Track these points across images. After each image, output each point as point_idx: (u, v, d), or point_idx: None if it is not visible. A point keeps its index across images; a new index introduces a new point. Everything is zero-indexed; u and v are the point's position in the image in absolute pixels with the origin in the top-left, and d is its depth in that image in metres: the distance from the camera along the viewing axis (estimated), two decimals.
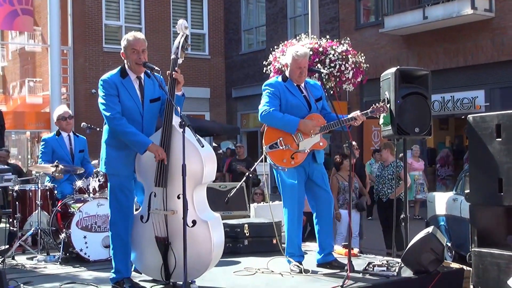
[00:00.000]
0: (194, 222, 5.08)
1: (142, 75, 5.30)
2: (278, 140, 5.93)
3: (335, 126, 5.93)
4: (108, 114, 5.09)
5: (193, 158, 5.03)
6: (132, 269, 5.35)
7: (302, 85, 6.11)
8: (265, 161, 6.13)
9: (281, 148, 5.93)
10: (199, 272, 5.14)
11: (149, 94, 5.31)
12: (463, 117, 16.74)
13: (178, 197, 5.05)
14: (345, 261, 5.72)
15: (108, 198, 5.25)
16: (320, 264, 6.09)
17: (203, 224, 5.10)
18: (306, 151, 5.93)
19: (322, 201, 6.07)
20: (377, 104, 6.09)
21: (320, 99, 6.16)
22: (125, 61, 5.29)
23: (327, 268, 5.98)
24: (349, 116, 5.94)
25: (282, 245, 6.42)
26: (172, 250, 5.04)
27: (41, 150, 7.82)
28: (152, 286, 5.24)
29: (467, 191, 6.77)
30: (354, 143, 9.26)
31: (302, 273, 5.77)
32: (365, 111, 6.03)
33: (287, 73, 6.11)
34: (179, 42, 5.37)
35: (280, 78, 6.14)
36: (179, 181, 4.86)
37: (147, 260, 5.21)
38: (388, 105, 6.27)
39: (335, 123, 5.91)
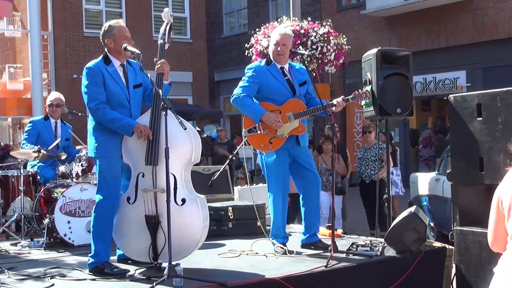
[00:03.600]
0: (183, 201, 5.15)
1: (125, 63, 5.33)
2: (257, 125, 5.95)
3: (314, 112, 5.96)
4: (91, 105, 5.10)
5: (183, 138, 5.14)
6: (116, 257, 5.38)
7: (286, 68, 6.12)
8: (247, 144, 6.16)
9: (259, 132, 5.95)
10: (187, 250, 5.18)
11: (132, 80, 5.35)
12: (445, 98, 16.79)
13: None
14: (329, 241, 5.77)
15: (97, 180, 5.23)
16: (304, 245, 6.13)
17: (192, 202, 5.17)
18: (284, 136, 5.95)
19: (309, 183, 6.10)
20: (359, 90, 6.12)
21: (304, 83, 6.16)
22: (108, 49, 5.27)
23: (311, 249, 6.02)
24: (330, 102, 5.97)
25: (267, 227, 6.46)
26: (162, 228, 5.03)
27: (26, 132, 7.75)
28: (137, 269, 5.25)
29: (448, 170, 6.82)
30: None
31: (286, 254, 5.80)
32: (346, 97, 6.04)
33: (271, 56, 6.12)
34: (165, 29, 5.40)
35: (263, 62, 6.15)
36: (171, 161, 4.94)
37: (134, 242, 5.19)
38: (369, 91, 6.29)
39: (314, 109, 5.95)
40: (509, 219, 3.29)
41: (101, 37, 5.34)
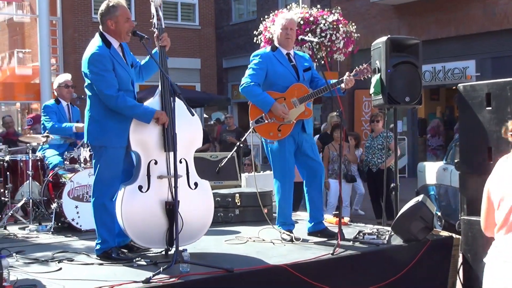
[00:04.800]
0: (196, 184, 5.32)
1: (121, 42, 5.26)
2: (263, 114, 5.96)
3: (318, 94, 6.00)
4: (109, 92, 4.98)
5: (194, 123, 5.34)
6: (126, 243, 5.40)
7: (292, 54, 6.12)
8: (254, 132, 6.18)
9: (267, 121, 5.96)
10: (201, 232, 5.36)
11: (129, 60, 5.32)
12: (454, 87, 16.77)
13: (180, 162, 5.18)
14: (336, 229, 5.77)
15: (96, 169, 5.20)
16: (310, 233, 6.14)
17: (204, 184, 5.38)
18: (292, 122, 5.96)
19: (313, 171, 6.12)
20: (360, 66, 6.12)
21: (308, 69, 6.18)
22: (107, 30, 5.15)
23: (317, 237, 6.03)
24: (337, 80, 5.99)
25: (273, 214, 6.46)
26: (179, 213, 5.04)
27: (46, 116, 7.59)
28: (143, 254, 5.28)
29: (456, 160, 6.80)
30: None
31: (293, 241, 5.81)
32: (350, 75, 6.04)
33: (276, 43, 6.13)
34: (159, 15, 5.33)
35: (269, 48, 6.15)
36: (181, 146, 5.06)
37: (149, 229, 5.18)
38: (371, 66, 6.28)
39: (318, 91, 5.99)
40: (498, 209, 3.32)
41: (99, 17, 5.17)
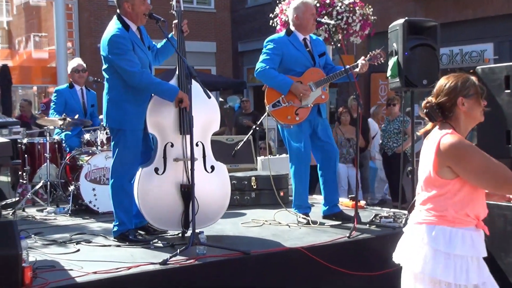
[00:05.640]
0: (212, 168, 5.36)
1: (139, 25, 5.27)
2: (280, 98, 5.93)
3: (334, 78, 5.99)
4: (134, 70, 4.98)
5: (211, 107, 5.36)
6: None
7: (308, 39, 6.08)
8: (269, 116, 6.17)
9: (284, 105, 5.93)
10: (218, 215, 5.41)
11: (147, 43, 5.32)
12: (471, 70, 16.58)
13: (197, 145, 5.21)
14: (352, 213, 5.77)
15: (115, 152, 5.23)
16: (325, 216, 6.15)
17: (221, 167, 5.42)
18: (309, 106, 5.94)
19: (327, 154, 6.10)
20: (374, 51, 6.09)
21: (323, 54, 6.15)
22: (124, 13, 5.16)
23: (332, 220, 6.03)
24: (352, 65, 5.96)
25: (290, 197, 6.47)
26: (195, 197, 5.05)
27: (53, 101, 7.78)
28: (160, 236, 5.31)
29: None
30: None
31: (309, 224, 5.82)
32: (364, 59, 6.02)
33: (292, 27, 6.06)
34: None
35: (283, 33, 6.10)
36: (198, 129, 5.10)
37: (165, 211, 5.21)
38: (384, 51, 6.24)
39: (334, 75, 5.97)
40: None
41: (116, 0, 5.19)
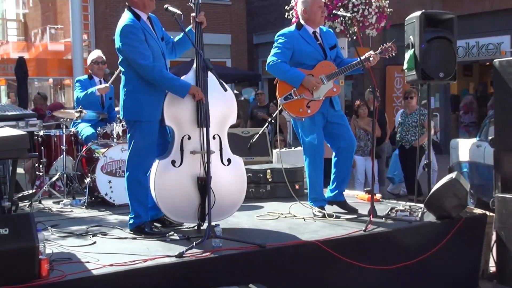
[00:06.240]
0: (229, 161, 5.33)
1: (149, 15, 5.27)
2: (292, 91, 5.92)
3: (345, 71, 5.99)
4: (146, 62, 4.98)
5: (228, 99, 5.33)
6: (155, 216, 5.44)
7: (318, 32, 6.07)
8: (280, 113, 6.24)
9: (296, 98, 5.92)
10: (234, 208, 5.41)
11: (159, 33, 5.31)
12: (487, 63, 16.52)
13: (214, 138, 5.19)
14: (367, 206, 5.75)
15: (131, 144, 5.23)
16: (329, 201, 6.15)
17: (237, 160, 5.40)
18: (321, 99, 5.93)
19: (345, 141, 6.03)
20: (385, 44, 6.05)
21: (334, 47, 6.14)
22: (132, 3, 5.16)
23: (332, 206, 6.07)
24: (363, 57, 5.91)
25: (305, 190, 6.46)
26: (211, 189, 5.05)
27: (78, 89, 7.70)
28: (176, 229, 5.32)
29: (491, 137, 6.71)
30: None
31: (325, 217, 5.81)
32: (375, 52, 5.99)
33: (302, 21, 6.07)
34: None
35: (293, 27, 6.10)
36: (214, 122, 5.08)
37: (181, 204, 5.21)
38: (395, 45, 6.21)
39: (345, 68, 5.97)
40: None
41: None
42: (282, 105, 6.00)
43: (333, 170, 6.17)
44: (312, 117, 5.94)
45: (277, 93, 6.02)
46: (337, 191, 6.15)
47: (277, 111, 6.53)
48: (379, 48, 6.04)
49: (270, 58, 5.96)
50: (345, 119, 6.18)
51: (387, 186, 11.50)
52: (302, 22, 6.05)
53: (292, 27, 6.11)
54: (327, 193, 6.21)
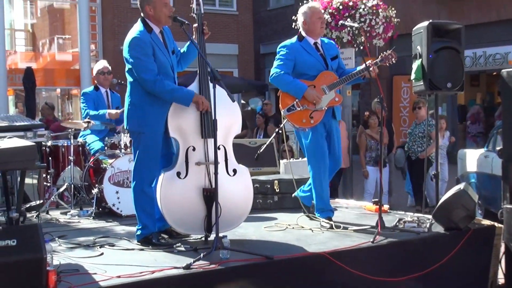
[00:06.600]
0: (235, 171, 5.32)
1: (162, 28, 5.28)
2: (295, 102, 5.99)
3: (346, 80, 6.04)
4: (147, 77, 5.00)
5: (233, 110, 5.34)
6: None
7: (319, 43, 6.14)
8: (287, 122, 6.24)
9: (299, 109, 5.99)
10: (241, 219, 5.39)
11: (170, 47, 5.32)
12: (495, 73, 16.48)
13: (219, 148, 5.16)
14: (375, 217, 5.73)
15: (136, 155, 5.23)
16: (297, 197, 6.40)
17: (243, 170, 5.38)
18: (323, 109, 6.00)
19: (334, 159, 6.16)
20: (385, 52, 6.08)
21: (336, 58, 6.21)
22: (147, 16, 5.17)
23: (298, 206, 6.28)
24: (359, 68, 5.99)
25: (312, 201, 6.44)
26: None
27: (83, 103, 7.74)
28: (183, 240, 5.31)
29: (499, 147, 6.68)
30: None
31: (333, 228, 5.79)
32: (375, 61, 6.04)
33: (303, 33, 6.14)
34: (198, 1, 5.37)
35: (295, 39, 6.16)
36: (219, 133, 5.02)
37: (187, 215, 5.21)
38: (395, 52, 6.23)
39: (346, 78, 6.03)
40: None
41: (139, 4, 5.20)
42: (285, 116, 6.06)
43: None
44: (315, 128, 6.00)
45: (280, 105, 6.09)
46: (309, 193, 6.27)
47: (283, 123, 6.56)
48: (379, 56, 6.07)
49: (273, 70, 6.05)
50: (339, 136, 6.25)
51: (397, 198, 11.45)
52: (303, 33, 6.14)
53: (294, 39, 6.19)
54: (298, 192, 6.42)
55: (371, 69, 5.94)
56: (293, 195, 6.57)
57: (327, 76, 6.03)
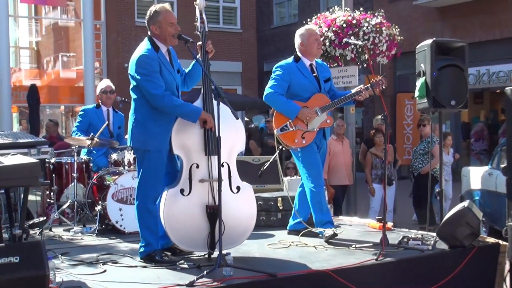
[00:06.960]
0: (238, 188, 5.32)
1: (169, 48, 5.31)
2: (288, 122, 6.12)
3: (338, 103, 6.22)
4: (157, 92, 5.01)
5: (237, 127, 5.36)
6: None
7: (314, 64, 6.26)
8: (278, 143, 6.32)
9: (292, 129, 6.12)
10: (244, 236, 5.38)
11: (176, 66, 5.36)
12: (498, 90, 16.49)
13: (223, 165, 5.15)
14: (379, 235, 5.71)
15: (140, 173, 5.23)
16: (291, 231, 6.41)
17: (246, 187, 5.39)
18: (315, 130, 6.14)
19: None
20: (375, 78, 6.22)
21: (328, 80, 6.34)
22: (153, 35, 5.21)
23: (296, 235, 6.22)
24: (353, 91, 6.20)
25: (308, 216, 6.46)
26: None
27: (78, 120, 7.84)
28: (187, 257, 5.30)
29: (503, 165, 6.67)
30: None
31: (335, 235, 5.86)
32: (365, 86, 6.18)
33: (299, 54, 6.23)
34: (202, 17, 5.41)
35: (291, 59, 6.26)
36: (223, 150, 5.02)
37: (191, 233, 5.19)
38: (385, 78, 6.35)
39: (338, 101, 6.20)
40: None
41: (146, 23, 5.26)
42: (279, 136, 6.17)
43: (299, 197, 6.36)
44: (308, 147, 6.14)
45: (273, 124, 6.20)
46: (297, 218, 6.31)
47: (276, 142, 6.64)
48: (369, 83, 6.11)
49: (267, 90, 6.15)
50: (324, 158, 6.43)
51: (401, 215, 11.41)
52: (299, 54, 6.24)
53: (290, 59, 6.28)
54: (290, 223, 6.46)
55: (362, 93, 6.10)
56: (287, 231, 6.53)
57: (319, 98, 6.17)
